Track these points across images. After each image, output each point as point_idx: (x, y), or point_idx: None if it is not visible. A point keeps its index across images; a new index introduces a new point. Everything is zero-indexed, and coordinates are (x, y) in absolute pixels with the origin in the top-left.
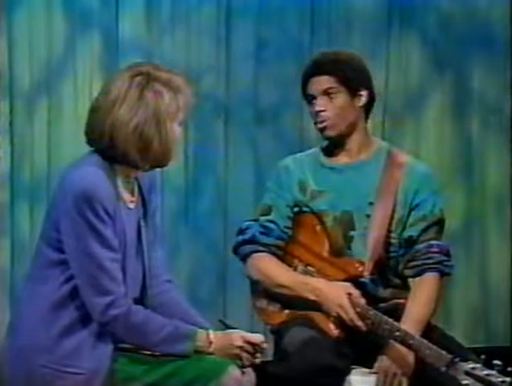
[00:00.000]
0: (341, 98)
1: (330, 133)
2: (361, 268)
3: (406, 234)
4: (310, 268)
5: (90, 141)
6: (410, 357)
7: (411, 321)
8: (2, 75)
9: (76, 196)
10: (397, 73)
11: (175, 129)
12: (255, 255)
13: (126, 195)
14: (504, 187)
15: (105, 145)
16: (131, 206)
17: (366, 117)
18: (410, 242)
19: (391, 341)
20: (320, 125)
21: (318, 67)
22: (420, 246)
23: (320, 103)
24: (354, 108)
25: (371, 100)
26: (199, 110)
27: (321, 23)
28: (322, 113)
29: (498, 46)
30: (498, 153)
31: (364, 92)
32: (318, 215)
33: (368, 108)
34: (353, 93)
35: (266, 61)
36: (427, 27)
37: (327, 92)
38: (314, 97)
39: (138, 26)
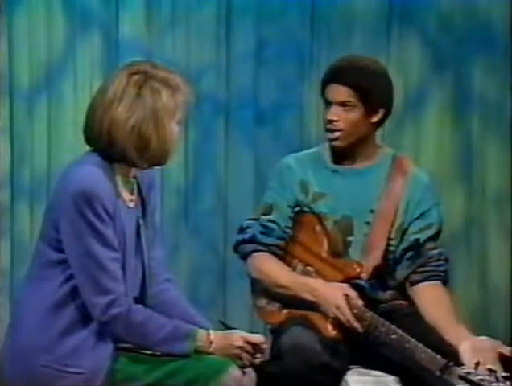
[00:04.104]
0: (357, 113)
1: (340, 144)
2: (358, 270)
3: (411, 238)
4: (309, 268)
5: (89, 141)
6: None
7: (454, 327)
8: (2, 75)
9: (75, 196)
10: (397, 73)
11: (174, 128)
12: (255, 254)
13: (126, 194)
14: (504, 188)
15: (104, 144)
16: (131, 205)
17: (377, 128)
18: (417, 246)
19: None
20: (330, 135)
21: (340, 76)
22: (433, 252)
23: (334, 112)
24: (368, 123)
25: (387, 114)
26: (199, 110)
27: (321, 23)
28: (334, 123)
29: (498, 46)
30: (498, 154)
31: (381, 110)
32: (318, 216)
33: (382, 122)
34: (370, 110)
35: (266, 61)
36: (427, 27)
37: (343, 104)
38: (330, 103)
39: (138, 26)
